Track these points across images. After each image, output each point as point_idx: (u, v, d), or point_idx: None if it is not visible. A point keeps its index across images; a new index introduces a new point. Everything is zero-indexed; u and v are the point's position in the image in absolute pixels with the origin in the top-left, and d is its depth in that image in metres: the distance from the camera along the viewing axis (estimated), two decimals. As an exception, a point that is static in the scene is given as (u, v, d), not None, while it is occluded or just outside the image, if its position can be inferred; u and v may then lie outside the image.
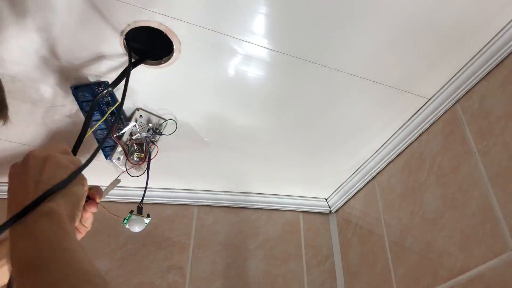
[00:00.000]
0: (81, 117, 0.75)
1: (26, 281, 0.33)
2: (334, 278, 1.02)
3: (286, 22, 0.60)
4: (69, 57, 0.65)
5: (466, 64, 0.70)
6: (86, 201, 0.49)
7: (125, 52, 0.64)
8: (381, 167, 0.93)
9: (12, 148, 0.84)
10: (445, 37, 0.64)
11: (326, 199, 1.12)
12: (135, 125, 0.74)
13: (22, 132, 0.80)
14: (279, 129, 0.83)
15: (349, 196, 1.04)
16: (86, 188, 0.47)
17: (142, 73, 0.68)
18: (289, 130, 0.84)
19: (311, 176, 1.01)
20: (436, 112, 0.77)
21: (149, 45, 0.66)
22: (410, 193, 0.82)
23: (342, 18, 0.60)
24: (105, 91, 0.66)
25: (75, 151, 0.57)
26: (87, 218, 0.50)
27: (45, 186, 0.40)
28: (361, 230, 0.98)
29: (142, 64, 0.66)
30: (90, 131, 0.68)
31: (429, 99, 0.77)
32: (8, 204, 0.40)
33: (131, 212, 0.69)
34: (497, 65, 0.67)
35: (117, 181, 0.65)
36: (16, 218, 0.37)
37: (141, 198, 0.72)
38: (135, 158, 0.74)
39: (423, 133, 0.82)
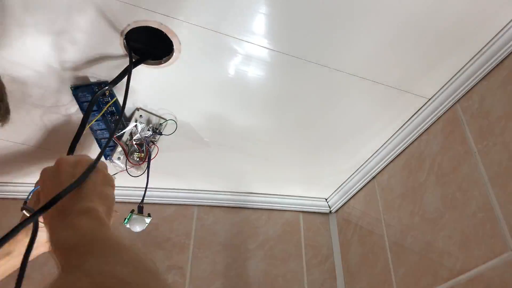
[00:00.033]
0: (81, 116, 0.74)
1: (70, 264, 0.35)
2: (334, 278, 1.02)
3: (286, 22, 0.60)
4: (69, 57, 0.65)
5: (466, 64, 0.70)
6: None
7: (125, 52, 0.64)
8: (381, 167, 0.93)
9: (12, 148, 0.84)
10: (445, 37, 0.64)
11: (326, 199, 1.12)
12: (135, 125, 0.74)
13: (22, 132, 0.80)
14: (279, 129, 0.83)
15: (349, 196, 1.04)
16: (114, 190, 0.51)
17: (142, 73, 0.67)
18: (289, 130, 0.84)
19: (311, 176, 1.01)
20: (436, 112, 0.77)
21: (149, 45, 0.66)
22: (410, 193, 0.82)
23: (342, 18, 0.60)
24: (104, 89, 0.67)
25: (72, 148, 0.59)
26: None
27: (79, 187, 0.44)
28: (361, 230, 0.98)
29: (142, 64, 0.66)
30: (87, 127, 0.68)
31: (429, 99, 0.77)
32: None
33: (132, 211, 0.69)
34: (497, 65, 0.67)
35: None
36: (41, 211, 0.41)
37: (141, 198, 0.72)
38: (135, 158, 0.74)
39: (423, 133, 0.82)
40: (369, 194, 0.97)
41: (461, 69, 0.71)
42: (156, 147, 0.77)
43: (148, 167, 0.74)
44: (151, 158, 0.75)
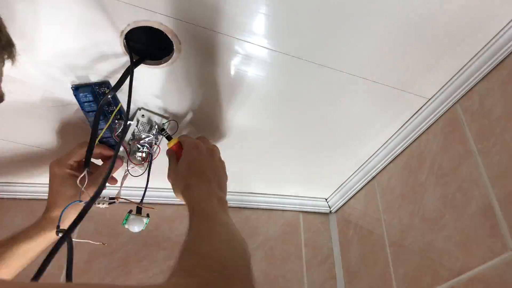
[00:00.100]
0: (82, 116, 0.75)
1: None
2: (334, 278, 1.02)
3: (286, 22, 0.60)
4: (69, 57, 0.65)
5: (466, 64, 0.70)
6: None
7: (125, 52, 0.64)
8: (381, 167, 0.93)
9: (12, 148, 0.84)
10: (445, 37, 0.64)
11: (326, 199, 1.12)
12: (137, 125, 0.74)
13: (22, 132, 0.81)
14: (279, 129, 0.83)
15: (349, 196, 1.04)
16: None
17: (143, 73, 0.68)
18: (289, 130, 0.84)
19: (311, 176, 1.01)
20: (436, 112, 0.77)
21: (149, 45, 0.66)
22: (410, 193, 0.82)
23: (342, 18, 0.60)
24: (108, 96, 0.66)
25: (87, 161, 0.67)
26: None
27: None
28: (361, 230, 0.98)
29: (142, 64, 0.66)
30: (97, 140, 0.69)
31: (429, 99, 0.77)
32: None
33: (130, 212, 0.69)
34: (497, 65, 0.67)
35: (125, 176, 0.73)
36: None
37: (141, 198, 0.72)
38: (137, 158, 0.74)
39: (423, 133, 0.82)
40: (369, 194, 0.97)
41: (461, 69, 0.71)
42: (158, 147, 0.77)
43: (149, 167, 0.74)
44: (153, 158, 0.75)
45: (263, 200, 1.07)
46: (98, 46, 0.64)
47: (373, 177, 0.96)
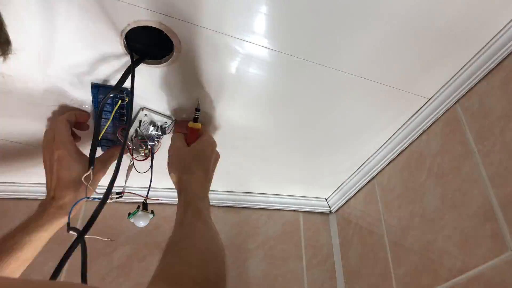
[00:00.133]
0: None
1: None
2: (334, 278, 1.02)
3: (287, 22, 0.60)
4: (68, 57, 0.65)
5: (466, 64, 0.70)
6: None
7: (125, 51, 0.64)
8: (381, 167, 0.93)
9: (13, 148, 0.84)
10: (445, 37, 0.64)
11: (326, 199, 1.12)
12: (139, 124, 0.75)
13: (22, 132, 0.80)
14: (279, 129, 0.83)
15: (349, 196, 1.04)
16: None
17: (143, 73, 0.68)
18: (289, 130, 0.84)
19: (311, 176, 1.01)
20: (436, 112, 0.77)
21: (149, 45, 0.66)
22: (410, 193, 0.82)
23: (342, 18, 0.60)
24: (109, 96, 0.67)
25: (92, 160, 0.67)
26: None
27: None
28: (361, 230, 0.98)
29: (142, 64, 0.66)
30: (100, 136, 0.70)
31: (429, 99, 0.77)
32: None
33: (138, 207, 0.70)
34: (497, 65, 0.67)
35: (130, 167, 0.74)
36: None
37: (141, 198, 0.72)
38: (140, 157, 0.76)
39: (423, 133, 0.82)
40: (369, 194, 0.97)
41: (461, 69, 0.71)
42: (160, 143, 0.78)
43: (151, 166, 0.75)
44: (155, 152, 0.77)
45: (263, 200, 1.07)
46: (98, 46, 0.63)
47: (373, 177, 0.96)
